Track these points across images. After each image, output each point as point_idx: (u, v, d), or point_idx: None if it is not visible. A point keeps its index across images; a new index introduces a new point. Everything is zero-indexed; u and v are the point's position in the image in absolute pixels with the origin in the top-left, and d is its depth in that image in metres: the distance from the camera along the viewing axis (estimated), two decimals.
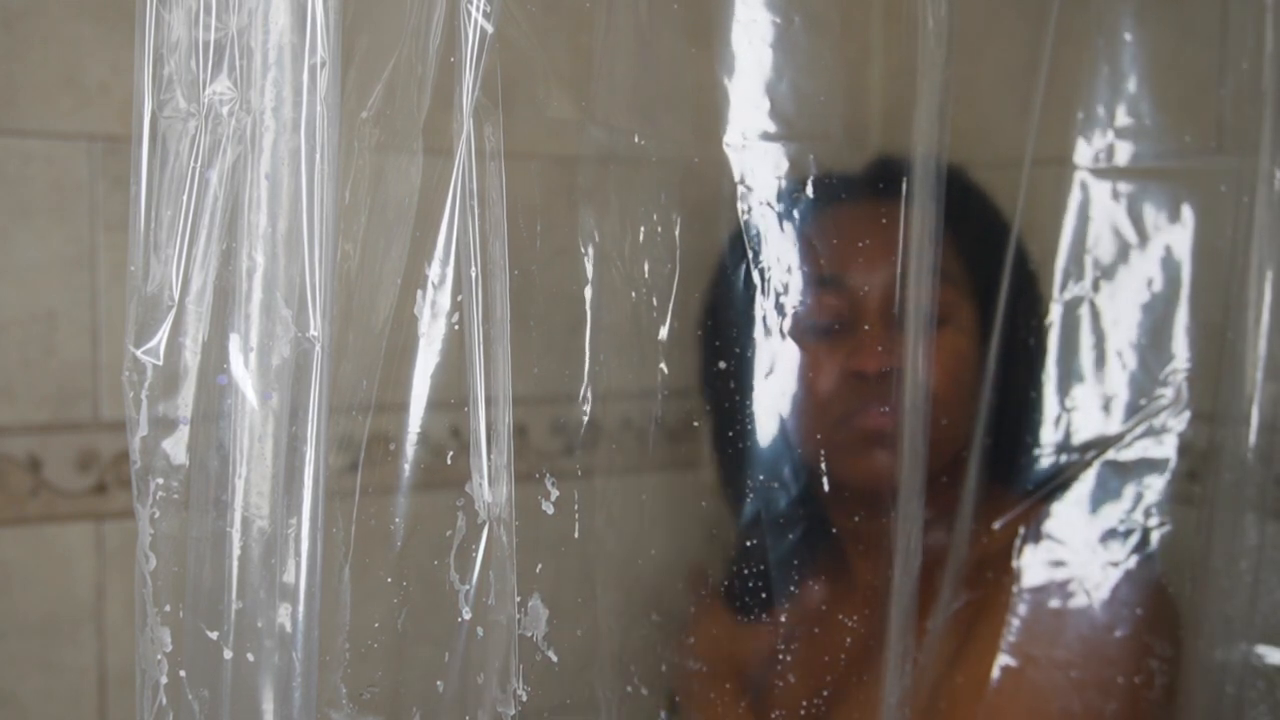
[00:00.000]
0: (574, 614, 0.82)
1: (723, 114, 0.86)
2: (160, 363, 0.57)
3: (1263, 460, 0.97)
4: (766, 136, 0.87)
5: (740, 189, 0.86)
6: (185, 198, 0.57)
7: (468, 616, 0.66)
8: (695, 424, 0.99)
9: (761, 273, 0.86)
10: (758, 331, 0.87)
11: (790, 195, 0.88)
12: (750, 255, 0.86)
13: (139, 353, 0.57)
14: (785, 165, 0.88)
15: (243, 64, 0.57)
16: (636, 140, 0.85)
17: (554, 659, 0.71)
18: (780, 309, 0.88)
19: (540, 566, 0.72)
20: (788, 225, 0.88)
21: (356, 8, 0.61)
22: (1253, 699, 0.98)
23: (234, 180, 0.57)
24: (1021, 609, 0.96)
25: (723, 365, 0.90)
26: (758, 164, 0.87)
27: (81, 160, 1.08)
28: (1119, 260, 1.01)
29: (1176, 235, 1.01)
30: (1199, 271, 1.00)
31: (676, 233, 0.86)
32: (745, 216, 0.86)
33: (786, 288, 0.88)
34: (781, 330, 0.88)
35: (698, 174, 0.88)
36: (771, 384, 0.90)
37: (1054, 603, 0.96)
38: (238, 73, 0.57)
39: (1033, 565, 0.98)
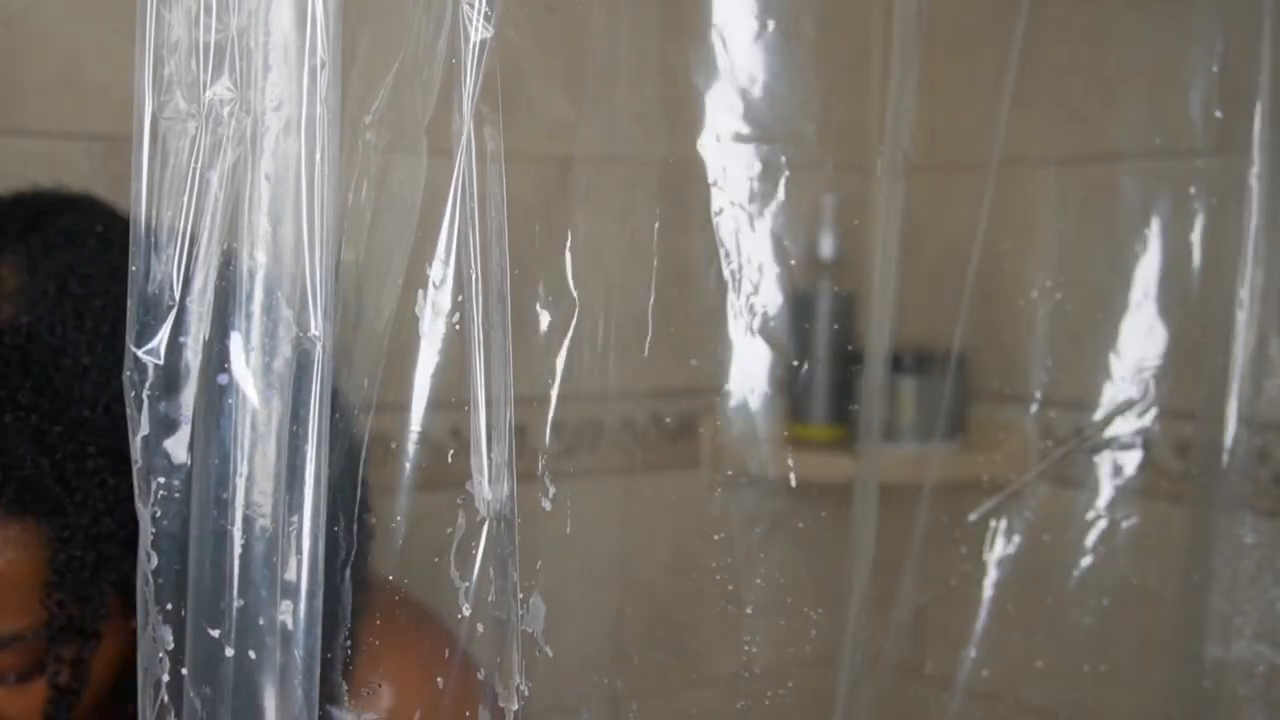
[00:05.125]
0: (571, 612, 0.83)
1: (698, 116, 0.86)
2: (161, 362, 0.57)
3: (1257, 459, 0.98)
4: (740, 138, 0.88)
5: (714, 190, 0.87)
6: (186, 198, 0.57)
7: (468, 613, 0.67)
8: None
9: (733, 272, 0.87)
10: (730, 330, 0.88)
11: (762, 196, 0.88)
12: (722, 254, 0.87)
13: (140, 352, 0.57)
14: (758, 166, 0.88)
15: (243, 65, 0.57)
16: (628, 141, 0.85)
17: (551, 655, 0.71)
18: (751, 307, 0.88)
19: (540, 563, 0.72)
20: (759, 224, 0.88)
21: (358, 9, 0.61)
22: (1248, 696, 0.99)
23: (234, 181, 0.57)
24: (995, 598, 0.97)
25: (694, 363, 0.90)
26: (730, 164, 0.87)
27: (81, 160, 1.08)
28: (1102, 257, 1.02)
29: (1163, 233, 1.02)
30: (1189, 269, 1.01)
31: (656, 231, 0.86)
32: (717, 217, 0.87)
33: (756, 286, 0.88)
34: (750, 328, 0.89)
35: (675, 174, 0.89)
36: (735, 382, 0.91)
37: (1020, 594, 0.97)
38: (238, 73, 0.57)
39: (1006, 556, 0.99)
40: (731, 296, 0.87)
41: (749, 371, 0.90)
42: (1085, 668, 0.99)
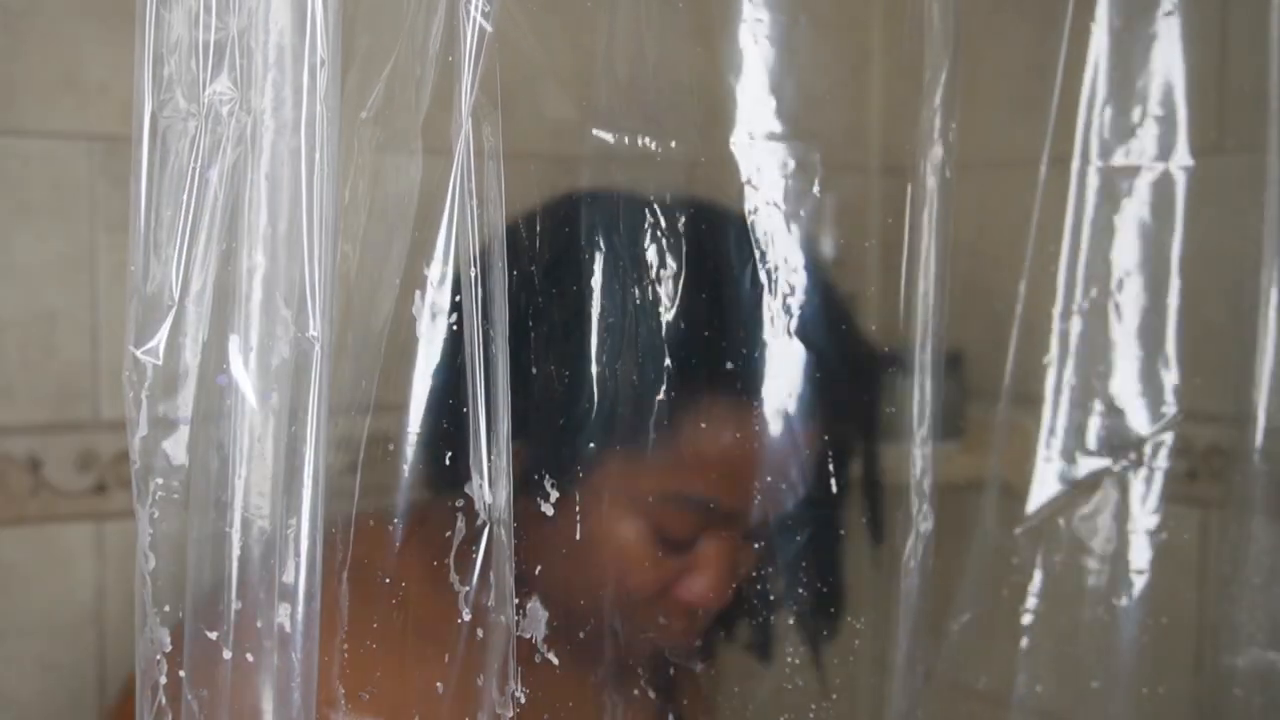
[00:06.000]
0: (576, 616, 0.82)
1: (729, 114, 0.86)
2: (160, 363, 0.57)
3: (1270, 463, 0.97)
4: (773, 136, 0.87)
5: (747, 189, 0.86)
6: (185, 198, 0.57)
7: (468, 618, 0.66)
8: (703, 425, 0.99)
9: (769, 273, 0.86)
10: (765, 332, 0.88)
11: (797, 194, 0.88)
12: (757, 255, 0.86)
13: (139, 353, 0.57)
14: (792, 164, 0.88)
15: (243, 64, 0.57)
16: (640, 141, 0.85)
17: (554, 661, 0.71)
18: (787, 309, 0.88)
19: (540, 568, 0.72)
20: (794, 225, 0.88)
21: (356, 8, 0.61)
22: (1261, 704, 0.98)
23: (234, 180, 0.57)
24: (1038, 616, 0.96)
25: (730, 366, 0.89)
26: (764, 163, 0.87)
27: (81, 160, 1.08)
28: (1126, 261, 1.01)
29: (1182, 235, 1.01)
30: (1206, 272, 1.00)
31: (681, 231, 0.86)
32: (752, 216, 0.86)
33: (793, 288, 0.88)
34: (789, 330, 0.88)
35: (703, 174, 0.89)
36: (779, 384, 0.90)
37: (1072, 610, 0.96)
38: (238, 73, 0.57)
39: (1049, 572, 0.98)
40: (767, 297, 0.86)
41: (787, 373, 0.90)
42: (1144, 690, 0.97)
